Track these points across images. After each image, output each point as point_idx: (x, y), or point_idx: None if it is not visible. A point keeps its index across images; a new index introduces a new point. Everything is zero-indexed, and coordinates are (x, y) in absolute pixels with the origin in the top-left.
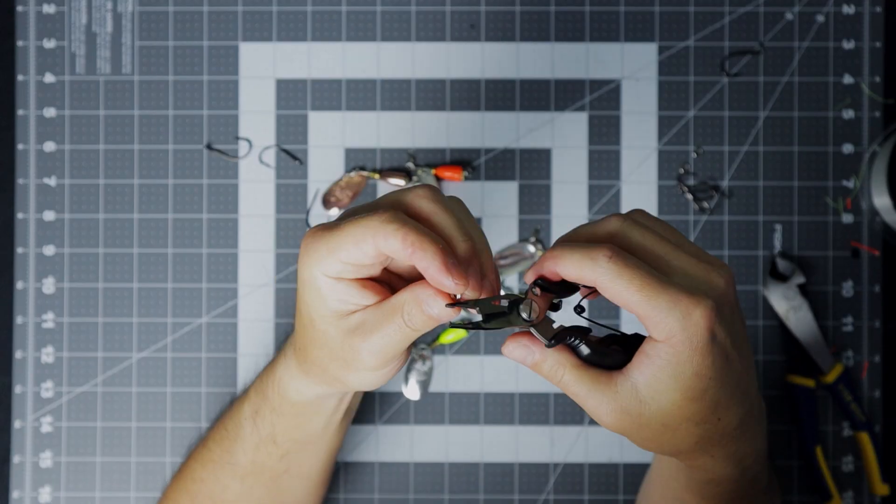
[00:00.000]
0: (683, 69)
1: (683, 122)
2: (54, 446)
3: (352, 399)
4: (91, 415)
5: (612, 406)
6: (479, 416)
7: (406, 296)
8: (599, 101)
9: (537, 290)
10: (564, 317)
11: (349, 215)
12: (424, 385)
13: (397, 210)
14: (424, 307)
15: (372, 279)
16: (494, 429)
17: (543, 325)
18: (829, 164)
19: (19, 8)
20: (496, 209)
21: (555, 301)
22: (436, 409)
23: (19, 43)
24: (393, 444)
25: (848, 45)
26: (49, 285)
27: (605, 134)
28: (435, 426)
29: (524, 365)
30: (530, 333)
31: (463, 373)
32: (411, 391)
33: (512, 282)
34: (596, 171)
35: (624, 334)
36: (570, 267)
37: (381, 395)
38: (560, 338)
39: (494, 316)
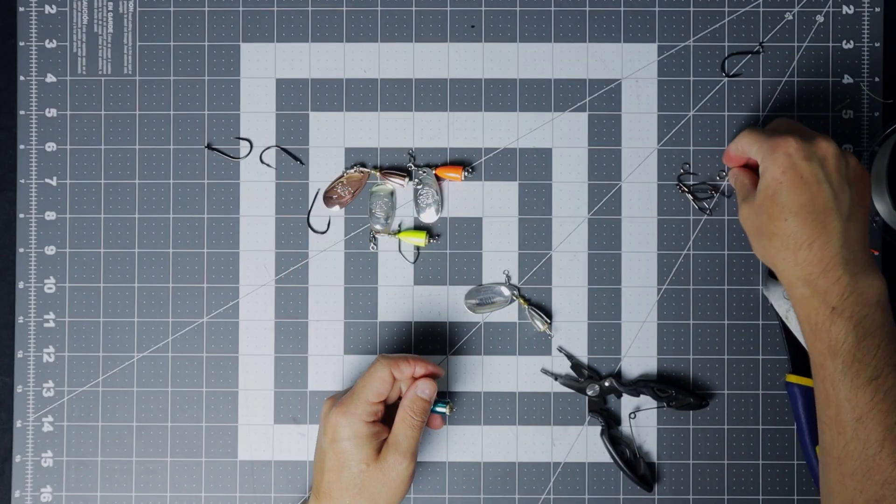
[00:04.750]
0: (683, 69)
1: (683, 122)
2: (55, 446)
3: None
4: (92, 414)
5: (750, 199)
6: (480, 416)
7: (403, 402)
8: (599, 101)
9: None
10: None
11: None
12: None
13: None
14: (418, 392)
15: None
16: (494, 429)
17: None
18: None
19: (21, 8)
20: (496, 209)
21: None
22: None
23: (21, 43)
24: None
25: (847, 45)
26: (50, 285)
27: (605, 134)
28: None
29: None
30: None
31: (463, 373)
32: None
33: (506, 285)
34: (596, 171)
35: None
36: (738, 143)
37: None
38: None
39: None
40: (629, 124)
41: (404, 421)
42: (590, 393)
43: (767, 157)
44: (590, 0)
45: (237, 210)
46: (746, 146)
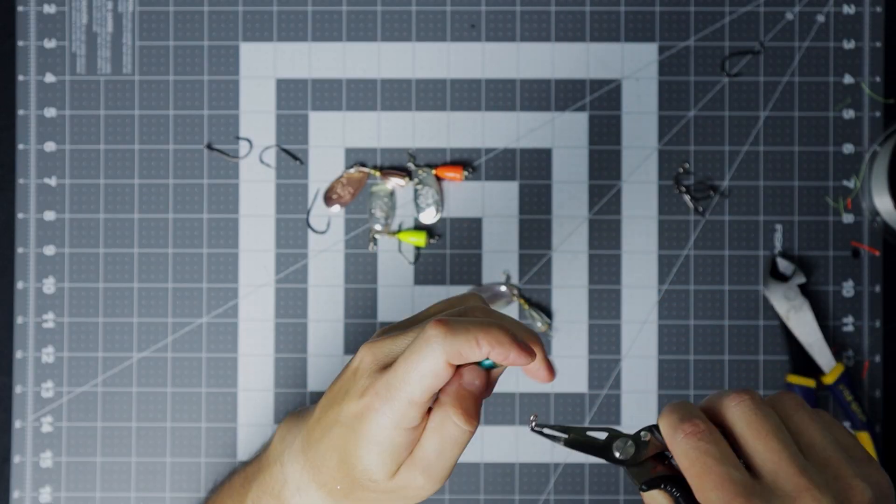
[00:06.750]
0: (684, 69)
1: (683, 122)
2: (55, 446)
3: None
4: (91, 415)
5: None
6: (480, 417)
7: (442, 399)
8: (600, 101)
9: (647, 435)
10: None
11: (392, 362)
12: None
13: (445, 320)
14: (464, 383)
15: None
16: (495, 429)
17: (641, 467)
18: (830, 164)
19: (20, 8)
20: (496, 209)
21: (667, 453)
22: None
23: (20, 43)
24: None
25: (848, 45)
26: (49, 285)
27: (605, 134)
28: None
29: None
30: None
31: None
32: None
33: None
34: (596, 171)
35: None
36: (662, 427)
37: None
38: (653, 484)
39: (585, 446)
40: (629, 124)
41: (443, 428)
42: (620, 455)
43: None
44: (590, 0)
45: (237, 210)
46: (683, 468)
